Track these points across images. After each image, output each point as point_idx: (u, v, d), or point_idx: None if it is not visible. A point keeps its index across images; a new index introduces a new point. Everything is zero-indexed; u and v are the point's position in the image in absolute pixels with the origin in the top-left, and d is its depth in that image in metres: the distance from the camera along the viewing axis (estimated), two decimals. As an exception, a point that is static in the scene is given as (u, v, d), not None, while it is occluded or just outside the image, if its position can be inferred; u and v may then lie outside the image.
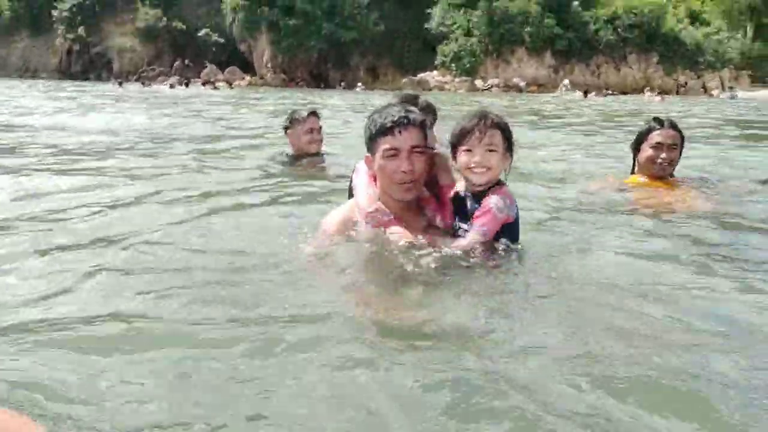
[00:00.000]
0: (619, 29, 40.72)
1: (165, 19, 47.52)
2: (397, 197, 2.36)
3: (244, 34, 43.64)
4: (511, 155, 2.40)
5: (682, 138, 3.68)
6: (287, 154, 5.24)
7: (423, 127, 2.36)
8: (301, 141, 5.13)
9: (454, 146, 2.38)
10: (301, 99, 21.54)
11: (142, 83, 36.25)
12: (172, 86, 31.61)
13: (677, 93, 38.90)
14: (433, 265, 2.21)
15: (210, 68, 43.72)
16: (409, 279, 2.15)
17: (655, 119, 3.74)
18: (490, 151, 2.30)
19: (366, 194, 2.44)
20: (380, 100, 16.78)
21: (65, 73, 48.89)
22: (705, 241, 2.88)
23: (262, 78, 43.28)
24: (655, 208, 3.38)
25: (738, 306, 2.09)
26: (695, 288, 2.25)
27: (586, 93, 31.13)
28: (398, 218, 2.37)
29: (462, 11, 40.91)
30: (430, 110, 3.15)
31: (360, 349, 1.69)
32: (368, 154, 2.40)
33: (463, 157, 2.34)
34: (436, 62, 40.73)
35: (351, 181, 2.67)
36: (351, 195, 2.63)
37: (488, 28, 39.83)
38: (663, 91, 36.41)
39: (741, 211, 3.47)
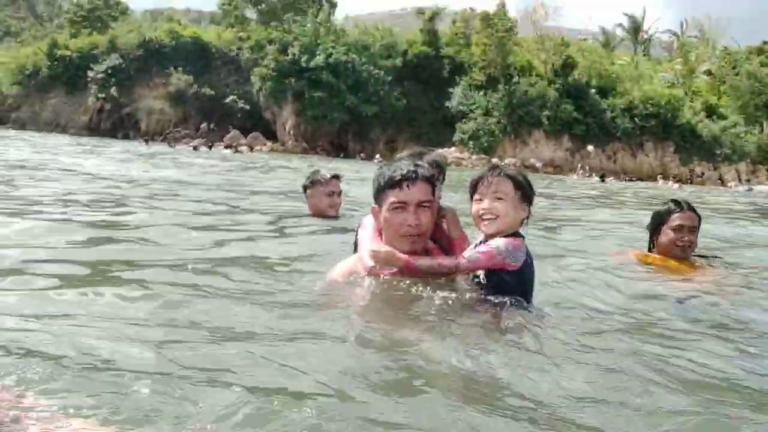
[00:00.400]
0: (636, 118, 41.43)
1: (195, 85, 49.37)
2: (403, 249, 2.37)
3: (269, 102, 45.07)
4: (529, 207, 2.42)
5: (700, 220, 3.80)
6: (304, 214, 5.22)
7: (431, 182, 2.42)
8: (322, 203, 5.14)
9: (471, 198, 2.46)
10: (323, 164, 21.93)
11: (168, 143, 37.23)
12: (195, 148, 32.41)
13: (691, 182, 38.93)
14: (431, 306, 2.23)
15: (234, 133, 44.89)
16: (406, 317, 2.19)
17: (674, 201, 3.85)
18: (498, 199, 2.35)
19: (370, 248, 2.45)
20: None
21: (94, 130, 50.40)
22: (719, 313, 2.92)
23: (283, 145, 44.29)
24: (675, 280, 3.43)
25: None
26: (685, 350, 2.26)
27: (603, 177, 31.33)
28: (400, 270, 2.39)
29: (482, 92, 42.03)
30: (437, 166, 3.21)
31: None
32: (375, 205, 2.47)
33: (474, 206, 2.42)
34: (454, 139, 41.48)
35: (356, 235, 2.72)
36: (356, 249, 2.67)
37: (507, 110, 40.73)
38: (680, 180, 36.55)
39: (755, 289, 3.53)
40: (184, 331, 2.13)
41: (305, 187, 5.20)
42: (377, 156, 40.18)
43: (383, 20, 59.90)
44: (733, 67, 44.82)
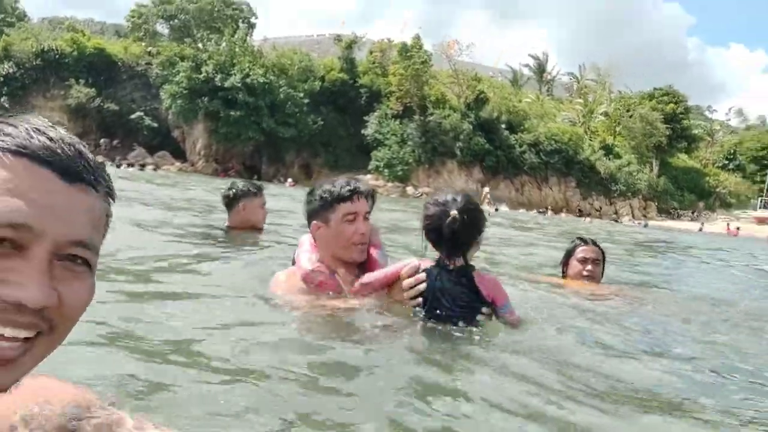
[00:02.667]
0: (541, 153, 43.58)
1: (98, 99, 46.69)
2: (352, 259, 2.64)
3: (179, 120, 43.38)
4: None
5: (603, 254, 4.18)
6: (226, 227, 4.79)
7: (370, 197, 2.68)
8: (257, 215, 4.79)
9: None
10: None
11: None
12: (118, 165, 30.54)
13: (589, 215, 41.25)
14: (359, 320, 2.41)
15: (139, 150, 42.74)
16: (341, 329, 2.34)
17: (579, 238, 4.26)
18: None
19: (308, 258, 2.66)
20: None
21: (-21, 142, 46.30)
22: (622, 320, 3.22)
23: (192, 165, 42.65)
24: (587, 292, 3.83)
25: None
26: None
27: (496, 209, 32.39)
28: (334, 280, 2.62)
29: (398, 121, 42.69)
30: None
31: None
32: (317, 222, 2.64)
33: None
34: (369, 167, 41.69)
35: (294, 254, 2.82)
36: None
37: (422, 139, 41.57)
38: (581, 213, 38.64)
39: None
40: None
41: (238, 198, 4.73)
42: (289, 179, 39.61)
43: (301, 44, 59.85)
44: (627, 110, 48.44)
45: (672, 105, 48.28)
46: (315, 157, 43.79)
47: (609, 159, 45.87)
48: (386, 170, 41.10)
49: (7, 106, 46.07)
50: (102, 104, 46.49)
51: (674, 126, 47.62)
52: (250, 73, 41.64)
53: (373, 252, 2.73)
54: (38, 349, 0.64)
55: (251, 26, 52.99)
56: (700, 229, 36.66)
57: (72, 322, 0.66)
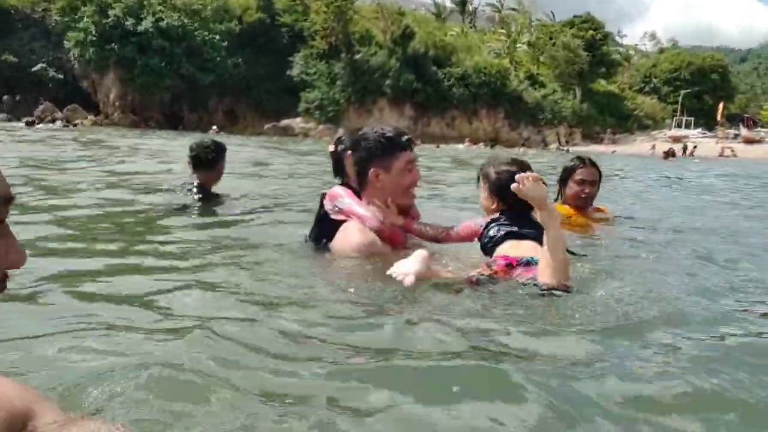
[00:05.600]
0: (470, 87, 43.64)
1: (-7, 52, 42.51)
2: (407, 205, 2.71)
3: (88, 69, 40.28)
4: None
5: (600, 174, 4.16)
6: (199, 187, 4.27)
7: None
8: (222, 171, 4.40)
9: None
10: (162, 139, 19.92)
11: None
12: (29, 123, 28.08)
13: (522, 146, 42.08)
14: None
15: (46, 105, 39.47)
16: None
17: (579, 158, 4.22)
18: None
19: (367, 209, 2.61)
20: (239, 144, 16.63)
21: None
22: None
23: (107, 117, 40.01)
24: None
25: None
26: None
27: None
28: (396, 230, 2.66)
29: (324, 61, 41.39)
30: None
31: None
32: (376, 169, 2.57)
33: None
34: (299, 109, 40.53)
35: (322, 208, 2.73)
36: (323, 221, 2.72)
37: (351, 78, 40.63)
38: (510, 144, 39.36)
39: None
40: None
41: (218, 155, 4.29)
42: (213, 126, 37.56)
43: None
44: (550, 38, 48.95)
45: (591, 32, 49.10)
46: (238, 102, 42.06)
47: (535, 89, 46.55)
48: (317, 112, 40.10)
49: None
50: (-1, 56, 42.45)
51: (594, 53, 48.64)
52: (164, 16, 38.89)
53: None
54: None
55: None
56: (613, 152, 38.65)
57: None
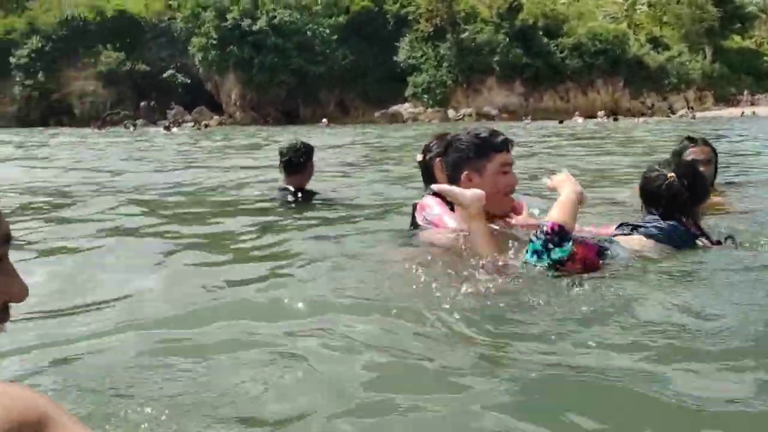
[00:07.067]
0: (584, 56, 41.43)
1: (128, 62, 46.57)
2: (502, 211, 2.55)
3: (211, 72, 42.98)
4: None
5: (715, 153, 3.89)
6: (290, 189, 4.39)
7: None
8: (311, 175, 4.51)
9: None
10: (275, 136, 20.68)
11: (125, 125, 34.91)
12: (167, 128, 30.64)
13: (643, 115, 39.41)
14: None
15: (177, 109, 42.71)
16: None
17: (688, 138, 3.96)
18: None
19: (456, 219, 2.52)
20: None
21: (24, 121, 47.12)
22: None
23: (230, 117, 42.51)
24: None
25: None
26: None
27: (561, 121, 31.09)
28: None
29: (430, 44, 41.12)
30: None
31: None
32: (469, 173, 2.47)
33: None
34: (406, 94, 40.63)
35: (414, 218, 2.70)
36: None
37: (457, 59, 40.07)
38: (632, 114, 36.95)
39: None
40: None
41: (308, 156, 4.41)
42: (324, 119, 38.10)
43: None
44: (674, -4, 45.21)
45: (721, -17, 44.71)
46: (347, 92, 42.91)
47: (657, 52, 43.26)
48: (425, 96, 40.00)
49: (43, 80, 46.63)
50: (132, 67, 46.42)
51: (725, 7, 44.28)
52: (276, 14, 40.57)
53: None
54: None
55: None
56: (743, 114, 35.16)
57: None
